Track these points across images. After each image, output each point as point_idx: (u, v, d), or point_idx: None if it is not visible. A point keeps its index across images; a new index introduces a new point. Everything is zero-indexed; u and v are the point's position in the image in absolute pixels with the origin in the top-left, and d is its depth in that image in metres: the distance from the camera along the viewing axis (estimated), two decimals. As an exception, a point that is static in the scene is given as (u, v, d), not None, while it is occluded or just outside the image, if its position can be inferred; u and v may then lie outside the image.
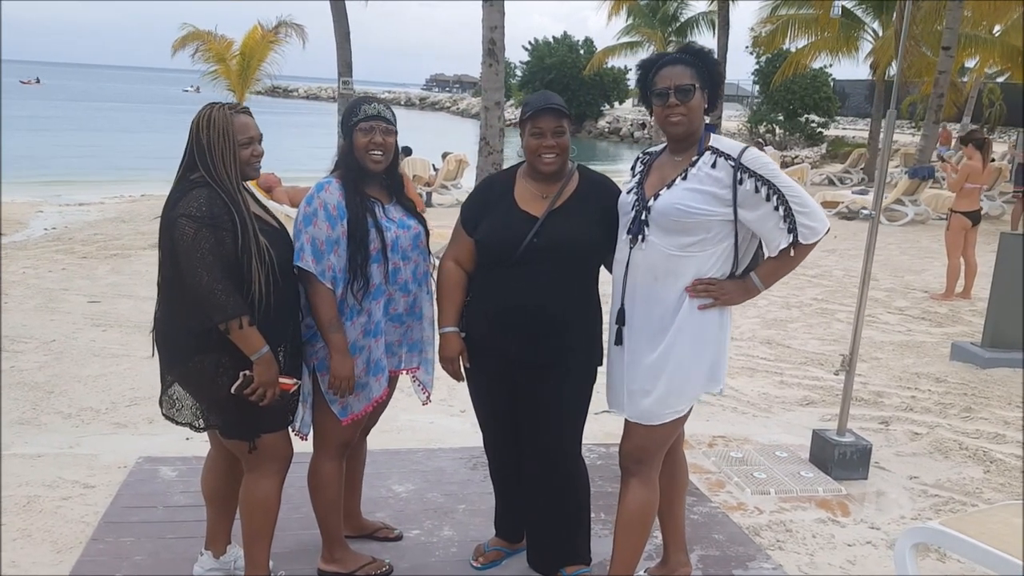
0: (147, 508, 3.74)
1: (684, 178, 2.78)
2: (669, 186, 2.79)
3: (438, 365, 3.21)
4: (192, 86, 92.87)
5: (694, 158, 2.79)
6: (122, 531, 3.53)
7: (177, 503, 3.80)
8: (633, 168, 3.07)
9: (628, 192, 2.94)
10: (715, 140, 2.80)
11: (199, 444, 4.48)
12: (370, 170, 3.02)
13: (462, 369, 3.15)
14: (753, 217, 2.72)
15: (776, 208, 2.69)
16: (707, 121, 2.85)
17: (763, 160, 2.73)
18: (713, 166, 2.74)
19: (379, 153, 3.00)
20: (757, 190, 2.69)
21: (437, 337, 3.20)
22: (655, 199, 2.79)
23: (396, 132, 3.07)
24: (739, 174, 2.70)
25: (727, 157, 2.73)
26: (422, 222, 3.20)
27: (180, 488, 3.93)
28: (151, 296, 2.90)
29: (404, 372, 3.24)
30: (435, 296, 3.19)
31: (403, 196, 3.19)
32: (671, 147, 2.89)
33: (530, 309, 2.96)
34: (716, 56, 2.90)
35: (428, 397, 3.30)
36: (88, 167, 21.94)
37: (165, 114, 51.71)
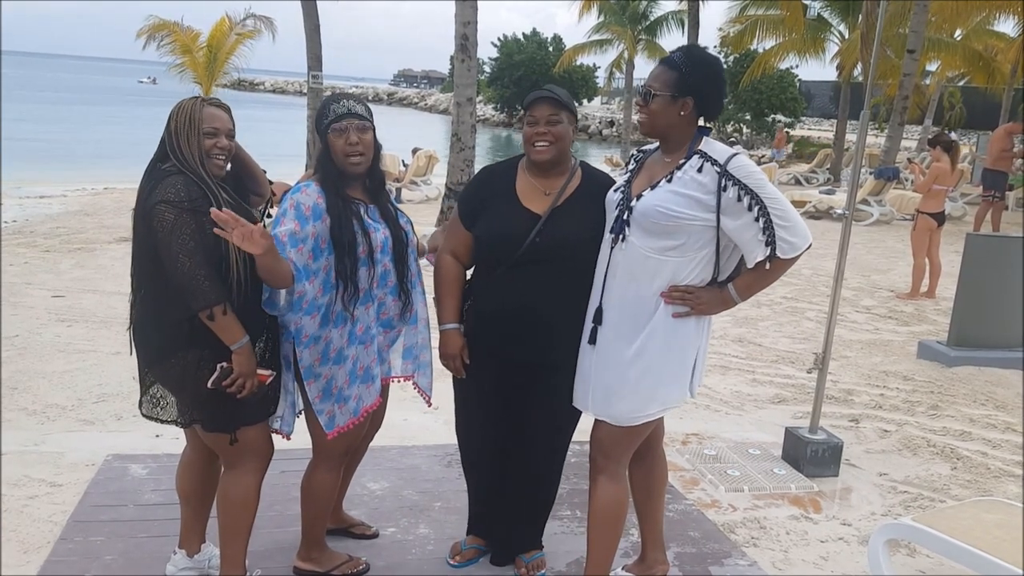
0: (117, 507, 3.67)
1: (669, 180, 2.73)
2: (653, 187, 2.75)
3: (436, 366, 3.15)
4: (148, 77, 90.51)
5: (681, 161, 2.75)
6: (91, 530, 3.46)
7: (148, 501, 3.73)
8: (626, 164, 3.04)
9: (616, 190, 2.90)
10: (706, 144, 2.75)
11: (169, 441, 4.41)
12: (351, 173, 2.90)
13: (463, 366, 3.10)
14: (734, 226, 2.67)
15: (757, 219, 2.63)
16: (702, 124, 2.80)
17: (750, 168, 2.67)
18: (699, 170, 2.69)
19: (358, 156, 2.87)
20: (740, 199, 2.63)
21: (434, 338, 3.11)
22: (639, 199, 2.76)
23: (373, 128, 2.91)
24: (723, 181, 2.64)
25: (714, 162, 2.68)
26: (407, 220, 3.10)
27: (151, 486, 3.86)
28: (117, 291, 2.83)
29: (398, 380, 3.15)
30: (432, 292, 3.10)
31: (384, 195, 3.05)
32: (662, 146, 2.86)
33: (529, 311, 2.93)
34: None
35: (428, 401, 3.21)
36: (44, 160, 21.43)
37: (120, 106, 50.56)
